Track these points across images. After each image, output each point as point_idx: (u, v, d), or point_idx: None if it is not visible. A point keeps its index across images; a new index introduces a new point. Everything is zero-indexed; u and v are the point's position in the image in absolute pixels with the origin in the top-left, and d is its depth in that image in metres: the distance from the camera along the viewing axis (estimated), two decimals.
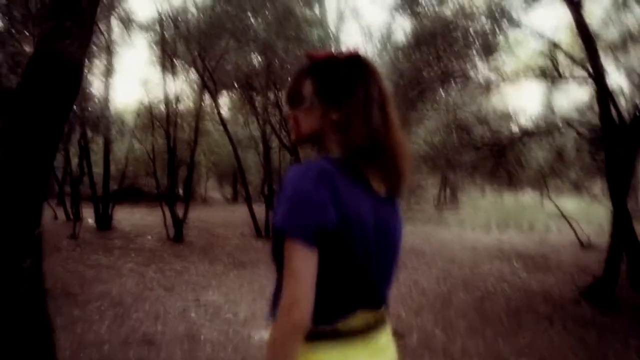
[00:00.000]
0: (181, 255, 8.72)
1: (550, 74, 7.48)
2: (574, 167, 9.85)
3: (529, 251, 10.13)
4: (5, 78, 6.08)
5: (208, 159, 20.23)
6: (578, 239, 10.66)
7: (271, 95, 11.64)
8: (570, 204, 13.82)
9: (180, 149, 13.48)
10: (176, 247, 9.48)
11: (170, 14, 10.57)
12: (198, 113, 11.36)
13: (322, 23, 12.76)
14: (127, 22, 11.25)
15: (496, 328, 5.00)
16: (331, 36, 12.13)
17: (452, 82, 8.35)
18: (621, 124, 6.18)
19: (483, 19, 7.54)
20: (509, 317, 5.39)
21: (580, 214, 13.03)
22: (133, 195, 17.94)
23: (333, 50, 1.39)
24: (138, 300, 5.63)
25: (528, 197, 17.64)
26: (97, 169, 12.83)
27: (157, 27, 10.94)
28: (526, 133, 7.89)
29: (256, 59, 11.39)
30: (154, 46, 11.75)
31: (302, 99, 1.26)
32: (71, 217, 11.57)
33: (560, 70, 7.40)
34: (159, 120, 11.27)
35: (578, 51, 7.39)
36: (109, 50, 11.36)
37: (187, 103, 14.78)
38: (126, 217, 13.58)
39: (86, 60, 11.28)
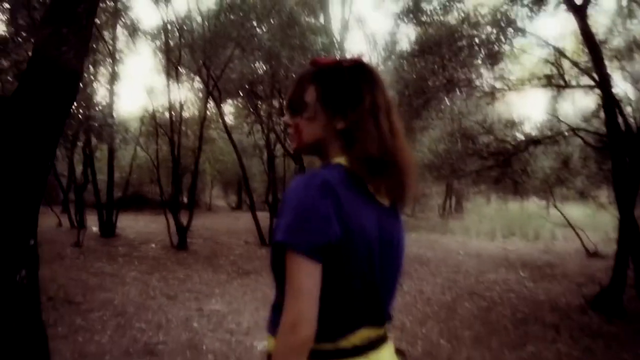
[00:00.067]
0: (185, 263, 8.69)
1: (556, 82, 7.45)
2: (580, 175, 9.78)
3: (534, 259, 10.05)
4: (11, 85, 6.11)
5: (213, 167, 20.23)
6: (584, 247, 10.57)
7: (276, 104, 11.65)
8: (576, 211, 13.73)
9: (185, 157, 13.50)
10: (180, 255, 9.45)
11: (176, 22, 10.60)
12: (202, 121, 11.36)
13: (326, 31, 12.78)
14: (132, 30, 11.30)
15: (502, 338, 4.94)
16: (336, 44, 12.13)
17: (457, 90, 8.32)
18: (627, 131, 6.13)
19: (488, 27, 7.52)
20: (515, 327, 5.32)
21: (586, 222, 12.93)
22: (137, 202, 17.96)
23: (337, 57, 1.34)
24: (141, 309, 5.59)
25: (533, 204, 17.54)
26: (102, 176, 12.85)
27: (162, 35, 10.98)
28: (532, 141, 7.84)
29: (261, 68, 11.41)
30: (159, 54, 11.80)
31: (304, 106, 1.22)
32: (75, 224, 11.57)
33: (566, 78, 7.36)
34: (163, 128, 11.27)
35: (583, 59, 7.35)
36: (113, 58, 11.41)
37: (191, 111, 14.83)
38: (130, 224, 13.57)
39: (91, 68, 11.40)
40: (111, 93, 11.68)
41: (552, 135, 7.78)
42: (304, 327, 1.00)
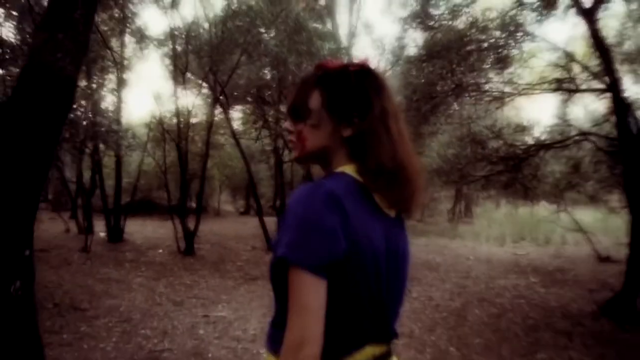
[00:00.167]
0: (191, 268, 8.66)
1: (566, 86, 7.37)
2: (591, 180, 9.66)
3: (545, 265, 9.93)
4: None
5: (221, 172, 20.24)
6: (596, 251, 10.43)
7: (283, 109, 11.62)
8: (587, 216, 13.58)
9: (193, 163, 13.49)
10: (187, 261, 9.42)
11: (183, 29, 10.61)
12: (210, 127, 11.36)
13: (334, 37, 12.76)
14: (139, 37, 11.35)
15: (513, 346, 4.86)
16: (343, 50, 12.10)
17: (466, 95, 8.26)
18: (639, 134, 6.04)
19: (497, 32, 7.46)
20: (526, 334, 5.24)
21: (597, 226, 12.79)
22: (146, 208, 17.97)
23: (343, 61, 1.26)
24: (146, 316, 5.56)
25: (543, 209, 17.39)
26: (110, 182, 12.87)
27: (169, 42, 11.00)
28: (542, 146, 7.76)
29: (268, 73, 11.40)
30: (166, 60, 11.82)
31: (308, 112, 1.15)
32: (83, 230, 11.58)
33: (576, 82, 7.28)
34: (171, 134, 11.28)
35: (593, 62, 7.26)
36: (121, 65, 11.45)
37: (199, 117, 14.84)
38: (138, 229, 13.58)
39: (98, 74, 11.43)
40: (119, 99, 11.72)
41: (563, 140, 7.68)
42: (309, 347, 0.94)
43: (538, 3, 6.97)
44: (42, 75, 2.65)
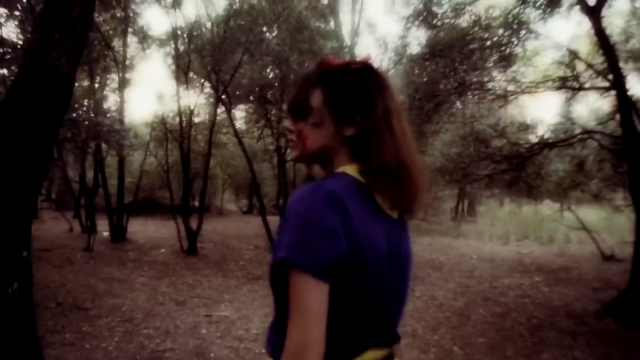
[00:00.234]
0: (194, 268, 8.65)
1: (570, 84, 7.32)
2: (595, 178, 9.62)
3: (549, 263, 9.89)
4: None
5: (224, 172, 20.24)
6: (600, 250, 10.39)
7: (286, 108, 11.58)
8: (590, 214, 13.53)
9: (195, 162, 13.48)
10: (189, 260, 9.41)
11: (185, 28, 10.60)
12: (212, 126, 11.34)
13: (336, 35, 12.72)
14: (142, 37, 11.35)
15: (517, 345, 4.83)
16: (346, 49, 12.07)
17: (469, 93, 8.22)
18: None
19: (500, 30, 7.42)
20: (530, 334, 5.20)
21: (601, 225, 12.74)
22: (149, 207, 17.98)
23: (345, 59, 1.22)
24: (149, 316, 5.55)
25: (547, 208, 17.33)
26: (113, 181, 12.88)
27: (172, 41, 10.99)
28: (546, 144, 7.71)
29: (270, 72, 11.38)
30: (169, 60, 11.82)
31: (310, 111, 1.12)
32: (86, 229, 11.59)
33: (580, 80, 7.24)
34: (173, 133, 11.28)
35: (598, 60, 7.22)
36: (124, 64, 11.45)
37: (201, 116, 14.84)
38: (141, 229, 13.58)
39: (100, 73, 11.43)
40: (121, 99, 11.74)
41: (567, 138, 7.64)
42: (311, 352, 0.92)
43: (542, 1, 6.92)
44: (38, 74, 2.62)
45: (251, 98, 12.30)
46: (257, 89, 11.57)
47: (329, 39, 10.85)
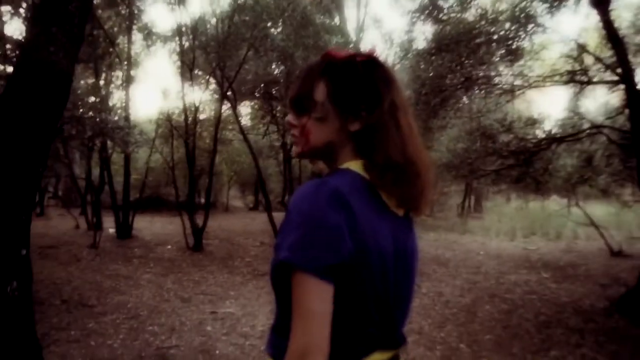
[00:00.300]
0: (200, 264, 8.65)
1: (579, 78, 7.24)
2: (604, 173, 9.53)
3: (556, 259, 9.82)
4: None
5: (230, 168, 20.24)
6: (608, 246, 10.31)
7: None
8: (598, 210, 13.42)
9: (201, 158, 13.48)
10: (195, 257, 9.41)
11: (190, 24, 10.58)
12: (217, 122, 11.33)
13: (341, 31, 12.66)
14: (146, 33, 11.34)
15: (524, 343, 4.78)
16: (351, 44, 12.01)
17: (476, 88, 8.15)
18: None
19: (507, 24, 7.34)
20: (538, 331, 5.16)
21: (609, 220, 12.63)
22: (155, 204, 18.01)
23: (350, 51, 1.17)
24: (154, 313, 5.54)
25: (554, 203, 17.24)
26: (119, 178, 12.90)
27: (176, 38, 10.98)
28: (554, 139, 7.64)
29: (276, 68, 11.35)
30: (174, 56, 11.81)
31: (313, 105, 1.07)
32: (92, 226, 11.63)
33: (589, 74, 7.16)
34: (179, 130, 11.27)
35: (606, 54, 7.14)
36: (129, 61, 11.44)
37: (207, 112, 14.83)
38: (147, 226, 13.60)
39: (106, 70, 11.42)
40: (126, 96, 11.74)
41: (575, 133, 7.57)
42: (314, 356, 0.89)
43: None
44: (36, 70, 2.57)
45: (256, 94, 12.27)
46: (262, 85, 11.54)
47: (334, 35, 10.79)
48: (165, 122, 11.95)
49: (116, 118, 9.07)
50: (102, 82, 11.58)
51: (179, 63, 11.16)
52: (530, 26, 7.18)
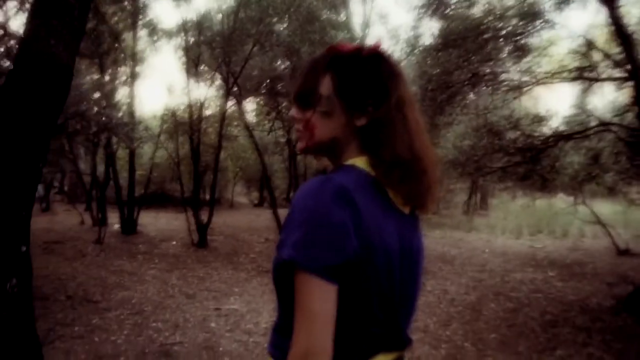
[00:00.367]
0: (204, 261, 8.64)
1: (587, 75, 7.17)
2: (611, 171, 9.45)
3: (563, 258, 9.76)
4: None
5: (235, 164, 20.25)
6: (615, 244, 10.24)
7: None
8: (605, 208, 13.34)
9: (206, 154, 13.47)
10: (200, 253, 9.41)
11: (195, 20, 10.56)
12: (222, 118, 11.31)
13: (347, 26, 12.61)
14: (152, 29, 11.33)
15: (530, 342, 4.75)
16: (357, 40, 11.96)
17: (483, 85, 8.09)
18: None
19: (514, 19, 7.27)
20: (544, 330, 5.11)
21: (616, 219, 12.55)
22: (160, 200, 18.04)
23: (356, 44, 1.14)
24: (158, 309, 5.53)
25: (561, 201, 17.15)
26: (125, 174, 12.92)
27: (182, 34, 10.96)
28: (561, 137, 7.57)
29: (281, 64, 11.32)
30: (179, 52, 11.79)
31: (318, 99, 1.04)
32: (97, 222, 11.64)
33: (597, 71, 7.08)
34: (184, 126, 11.26)
35: (615, 50, 7.06)
36: (134, 57, 11.44)
37: (212, 108, 14.83)
38: (152, 221, 13.62)
39: (111, 66, 11.41)
40: (131, 92, 11.74)
41: (583, 130, 7.49)
42: (318, 358, 0.86)
43: None
44: (35, 63, 2.53)
45: (262, 90, 12.25)
46: (267, 81, 11.52)
47: (340, 30, 10.75)
48: (170, 118, 11.94)
49: (121, 114, 9.07)
50: (107, 78, 11.56)
51: (184, 59, 11.15)
52: (538, 22, 7.11)
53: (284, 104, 11.97)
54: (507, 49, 7.63)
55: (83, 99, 7.25)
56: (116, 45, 10.59)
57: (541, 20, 7.06)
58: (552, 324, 5.31)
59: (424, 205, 1.07)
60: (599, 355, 4.40)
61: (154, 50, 12.78)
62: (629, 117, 7.24)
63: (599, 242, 11.60)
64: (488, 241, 12.42)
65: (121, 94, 12.40)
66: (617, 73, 6.80)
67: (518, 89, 7.93)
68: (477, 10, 7.73)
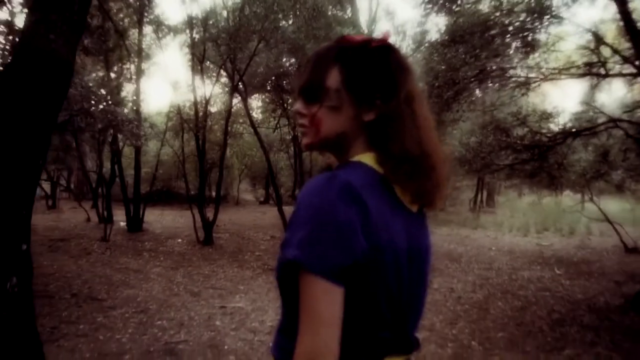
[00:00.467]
0: (210, 258, 8.63)
1: (596, 71, 7.09)
2: (619, 168, 9.37)
3: (570, 256, 9.69)
4: None
5: (240, 162, 20.26)
6: (622, 242, 10.15)
7: None
8: (613, 206, 13.26)
9: (212, 152, 13.47)
10: (205, 251, 9.40)
11: (200, 17, 10.53)
12: (228, 116, 11.29)
13: (353, 23, 12.56)
14: (157, 26, 11.32)
15: (537, 341, 4.69)
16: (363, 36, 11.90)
17: (490, 81, 8.02)
18: None
19: (522, 15, 7.19)
20: (551, 329, 5.06)
21: (624, 216, 12.46)
22: (166, 197, 18.09)
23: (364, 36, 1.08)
24: (163, 307, 5.52)
25: (568, 198, 17.07)
26: (131, 171, 12.94)
27: (187, 30, 10.94)
28: (570, 133, 7.50)
29: (287, 61, 11.28)
30: (184, 49, 11.78)
31: (325, 93, 0.99)
32: (103, 219, 11.66)
33: (606, 67, 7.00)
34: (189, 123, 11.25)
35: (624, 46, 6.98)
36: (139, 54, 11.42)
37: (217, 105, 14.82)
38: (157, 219, 13.63)
39: (117, 63, 11.40)
40: (137, 89, 11.73)
41: (591, 127, 7.42)
42: None
43: None
44: (35, 58, 2.49)
45: (267, 87, 12.22)
46: (273, 77, 11.48)
47: (346, 26, 10.70)
48: (175, 115, 11.94)
49: (126, 111, 9.05)
50: (112, 75, 11.57)
51: (189, 56, 11.13)
52: (546, 17, 7.03)
53: (289, 101, 11.93)
54: (514, 44, 7.55)
55: (88, 96, 7.23)
56: (121, 42, 10.57)
57: (549, 16, 6.97)
58: (559, 323, 5.26)
59: (432, 202, 1.03)
60: (607, 355, 4.34)
61: (160, 47, 12.77)
62: (639, 113, 7.16)
63: (606, 240, 11.51)
64: (495, 239, 12.35)
65: (126, 91, 12.41)
66: (627, 69, 6.72)
67: (526, 85, 7.85)
68: (484, 6, 7.65)
